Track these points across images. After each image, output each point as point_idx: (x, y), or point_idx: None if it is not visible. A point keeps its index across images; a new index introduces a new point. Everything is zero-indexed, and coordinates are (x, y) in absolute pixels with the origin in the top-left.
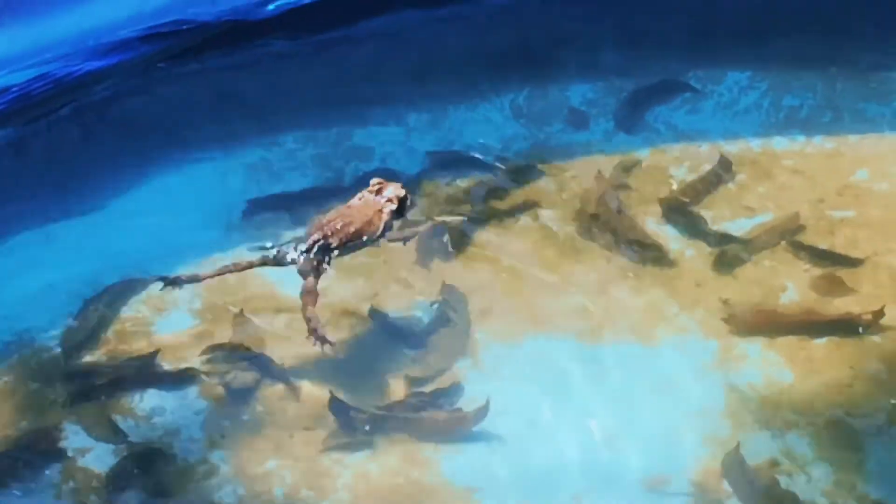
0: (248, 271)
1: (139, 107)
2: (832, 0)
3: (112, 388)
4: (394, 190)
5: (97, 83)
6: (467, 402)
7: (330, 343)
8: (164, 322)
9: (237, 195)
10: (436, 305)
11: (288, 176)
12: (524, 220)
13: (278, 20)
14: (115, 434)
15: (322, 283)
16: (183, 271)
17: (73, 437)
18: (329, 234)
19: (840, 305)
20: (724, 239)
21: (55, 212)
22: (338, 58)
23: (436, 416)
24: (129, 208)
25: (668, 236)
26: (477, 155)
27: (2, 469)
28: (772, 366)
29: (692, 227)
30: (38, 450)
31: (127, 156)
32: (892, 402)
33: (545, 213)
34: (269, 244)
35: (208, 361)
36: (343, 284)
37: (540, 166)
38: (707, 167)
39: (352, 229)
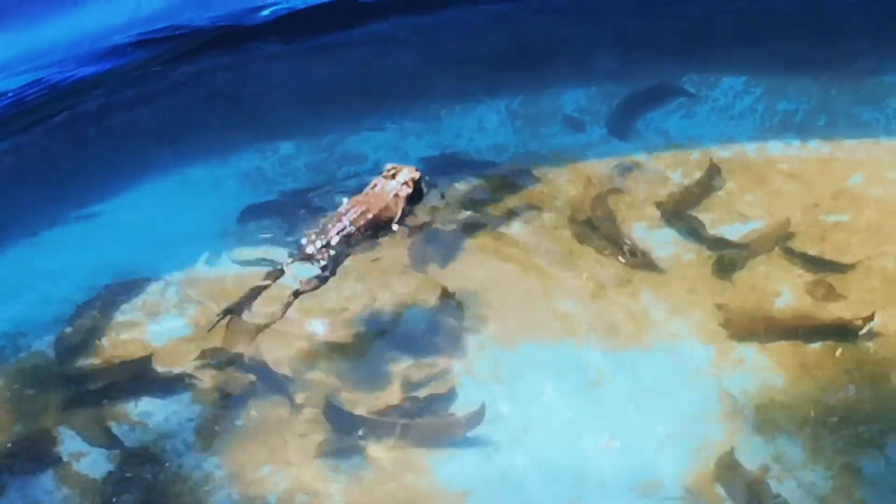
0: (247, 276)
1: (133, 112)
2: (827, 5)
3: (106, 393)
4: (408, 173)
5: (91, 89)
6: (461, 408)
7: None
8: (159, 327)
9: (232, 200)
10: (430, 310)
11: (282, 181)
12: (518, 225)
13: (272, 25)
14: (109, 439)
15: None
16: (178, 277)
17: (68, 443)
18: (348, 224)
19: (833, 310)
20: (719, 244)
21: (49, 217)
22: (332, 63)
23: (430, 422)
24: (124, 214)
25: (662, 241)
26: (471, 160)
27: None
28: (765, 371)
29: (686, 232)
30: (33, 455)
31: (121, 161)
32: (886, 410)
33: (539, 218)
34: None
35: (202, 367)
36: (338, 289)
37: (534, 171)
38: (701, 172)
39: (370, 216)
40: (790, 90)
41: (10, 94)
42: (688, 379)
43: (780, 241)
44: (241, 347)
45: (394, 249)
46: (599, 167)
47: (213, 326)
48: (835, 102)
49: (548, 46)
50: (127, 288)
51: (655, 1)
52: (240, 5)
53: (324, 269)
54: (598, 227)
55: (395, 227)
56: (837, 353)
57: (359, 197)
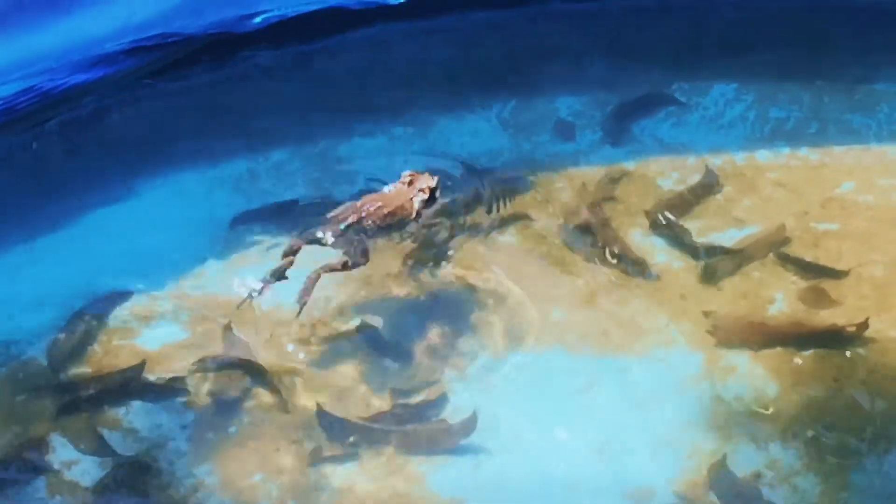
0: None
1: (125, 120)
2: (818, 13)
3: (99, 400)
4: (425, 181)
5: (83, 96)
6: (454, 415)
7: (301, 309)
8: (151, 334)
9: (224, 207)
10: (422, 317)
11: (274, 188)
12: (510, 231)
13: (264, 33)
14: (101, 447)
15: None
16: (170, 284)
17: (60, 450)
18: (364, 215)
19: (825, 317)
20: (711, 251)
21: (41, 224)
22: (324, 70)
23: (422, 429)
24: (116, 221)
25: (653, 248)
26: (463, 167)
27: None
28: (757, 378)
29: (678, 239)
30: (25, 462)
31: (113, 168)
32: (878, 417)
33: (531, 225)
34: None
35: (195, 374)
36: (330, 296)
37: (526, 178)
38: (692, 179)
39: (384, 212)
40: (781, 98)
41: (2, 102)
42: (680, 386)
43: (773, 247)
44: (234, 355)
45: (386, 256)
46: (592, 174)
47: (241, 304)
48: (826, 110)
49: (540, 54)
50: (119, 295)
51: (647, 9)
52: (231, 13)
53: (345, 253)
54: (590, 234)
55: (409, 225)
56: (831, 360)
57: (375, 195)
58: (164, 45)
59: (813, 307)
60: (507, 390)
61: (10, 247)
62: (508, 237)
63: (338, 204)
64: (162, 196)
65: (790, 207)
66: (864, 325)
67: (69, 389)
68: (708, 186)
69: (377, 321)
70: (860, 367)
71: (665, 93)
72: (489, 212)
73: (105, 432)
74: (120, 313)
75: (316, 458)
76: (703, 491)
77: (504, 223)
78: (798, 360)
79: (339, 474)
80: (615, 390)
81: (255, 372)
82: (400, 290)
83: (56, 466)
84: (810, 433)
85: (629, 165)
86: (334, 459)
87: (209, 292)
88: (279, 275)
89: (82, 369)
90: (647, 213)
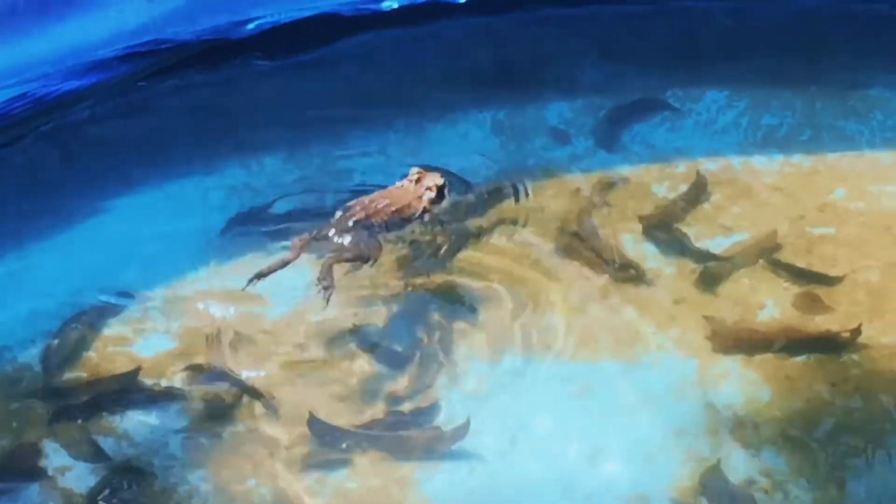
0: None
1: (119, 126)
2: (811, 19)
3: (92, 407)
4: (432, 179)
5: (77, 103)
6: (447, 421)
7: (331, 292)
8: (145, 341)
9: (218, 213)
10: (415, 324)
11: (268, 195)
12: (503, 238)
13: (258, 39)
14: (95, 453)
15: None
16: (164, 290)
17: (53, 456)
18: (371, 212)
19: (819, 323)
20: (704, 257)
21: (35, 230)
22: (317, 76)
23: (415, 435)
24: (110, 227)
25: (647, 254)
26: (457, 173)
27: None
28: (751, 384)
29: (671, 245)
30: (18, 469)
31: (107, 175)
32: (871, 423)
33: (524, 232)
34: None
35: (188, 381)
36: (323, 302)
37: (519, 184)
38: (686, 185)
39: (392, 209)
40: (774, 104)
41: None
42: (673, 392)
43: (766, 253)
44: (227, 361)
45: (379, 264)
46: (585, 180)
47: (246, 287)
48: (819, 116)
49: (533, 60)
50: (113, 301)
51: (639, 15)
52: (225, 19)
53: (354, 248)
54: (583, 240)
55: (416, 223)
56: (824, 366)
57: (383, 192)
58: (157, 52)
59: (806, 313)
60: (501, 397)
61: (3, 253)
62: (501, 244)
63: (332, 210)
64: (156, 202)
65: (783, 213)
66: (858, 331)
67: (63, 396)
68: (701, 192)
69: (370, 327)
70: (854, 373)
71: (658, 98)
72: (482, 218)
73: (99, 438)
74: (113, 320)
75: (309, 465)
76: (696, 497)
77: (497, 229)
78: (792, 366)
79: (332, 480)
80: (608, 396)
81: (246, 379)
82: (393, 297)
83: (50, 472)
84: (804, 439)
85: (622, 171)
86: (327, 466)
87: (204, 298)
88: (281, 266)
89: (76, 376)
90: (640, 219)
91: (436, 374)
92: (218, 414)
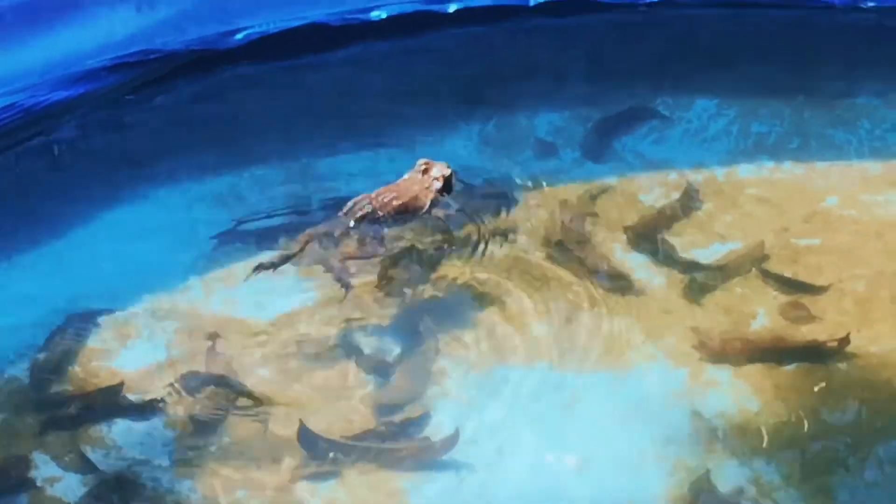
0: (221, 300)
1: (108, 136)
2: (800, 28)
3: (81, 418)
4: (439, 169)
5: (65, 113)
6: (436, 431)
7: (349, 286)
8: (133, 352)
9: (206, 223)
10: (404, 334)
11: (257, 204)
12: (492, 248)
13: (246, 49)
14: (84, 464)
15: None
16: (152, 301)
17: (43, 468)
18: (377, 206)
19: (808, 332)
20: (692, 266)
21: (23, 241)
22: (306, 87)
23: (405, 446)
24: (98, 238)
25: (635, 264)
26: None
27: None
28: (740, 393)
29: (660, 254)
30: (7, 480)
31: (96, 185)
32: (860, 431)
33: (513, 242)
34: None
35: (176, 391)
36: (312, 313)
37: (508, 194)
38: (674, 195)
39: (398, 203)
40: (763, 113)
41: None
42: (662, 401)
43: (755, 263)
44: (215, 372)
45: (367, 274)
46: (573, 190)
47: (249, 277)
48: (808, 125)
49: (521, 70)
50: (101, 312)
51: (628, 24)
52: (213, 29)
53: (360, 242)
54: (571, 251)
55: (423, 216)
56: (813, 376)
57: (390, 185)
58: (146, 62)
59: (795, 322)
60: (490, 407)
61: None
62: (490, 254)
63: (321, 219)
64: (144, 212)
65: (772, 222)
66: (846, 340)
67: (51, 407)
68: (690, 202)
69: (359, 338)
70: (842, 382)
71: (647, 108)
72: (471, 228)
73: (87, 450)
74: (102, 330)
75: (298, 476)
76: None
77: (486, 240)
78: (781, 375)
79: (321, 491)
80: (598, 406)
81: (235, 389)
82: (382, 307)
83: (39, 483)
84: (793, 448)
85: (611, 181)
86: (316, 476)
87: (191, 309)
88: (284, 260)
89: (64, 387)
90: (629, 229)
91: (425, 385)
92: (206, 425)
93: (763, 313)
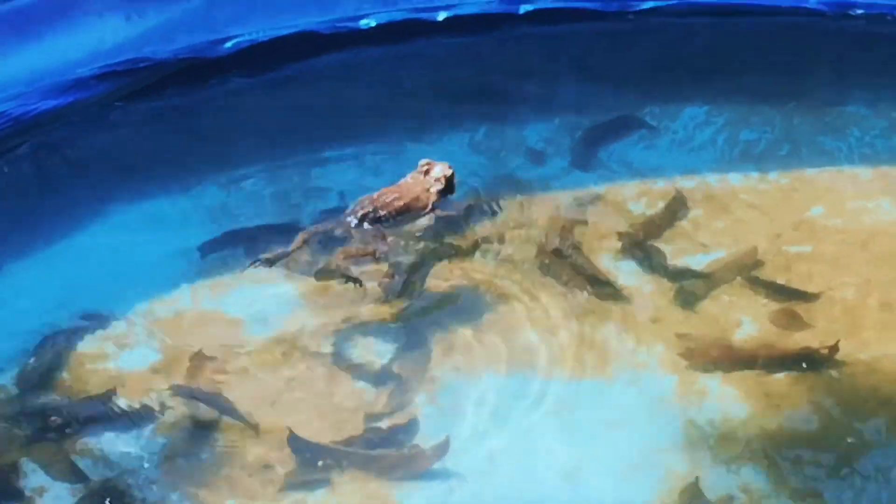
0: (210, 309)
1: (97, 145)
2: (788, 36)
3: (70, 427)
4: (441, 170)
5: (54, 122)
6: (426, 439)
7: (358, 281)
8: (123, 360)
9: (196, 232)
10: (394, 342)
11: (246, 212)
12: (481, 256)
13: (235, 58)
14: (73, 473)
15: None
16: (142, 310)
17: (32, 476)
18: (379, 207)
19: (797, 340)
20: (682, 274)
21: (12, 250)
22: (295, 95)
23: (395, 453)
24: (87, 246)
25: (624, 272)
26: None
27: None
28: (729, 401)
29: (649, 262)
30: None
31: (85, 194)
32: (849, 439)
33: (502, 250)
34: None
35: (166, 401)
36: (301, 320)
37: (497, 203)
38: (663, 203)
39: (400, 203)
40: (752, 121)
41: None
42: (651, 409)
43: (744, 270)
44: (206, 380)
45: (365, 275)
46: (562, 198)
47: (247, 269)
48: (797, 132)
49: (511, 78)
50: (91, 321)
51: (617, 33)
52: (202, 38)
53: (363, 241)
54: (561, 259)
55: (425, 216)
56: (802, 383)
57: (392, 186)
58: (135, 71)
59: (784, 330)
60: (479, 414)
61: None
62: (479, 262)
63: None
64: (134, 221)
65: (761, 230)
66: (835, 348)
67: (40, 416)
68: (679, 210)
69: (349, 345)
70: (832, 390)
71: (635, 116)
72: (460, 236)
73: (77, 459)
74: (91, 339)
75: (288, 484)
76: None
77: (475, 248)
78: (770, 383)
79: (311, 499)
80: (587, 414)
81: (225, 398)
82: (372, 315)
83: (28, 493)
84: (783, 456)
85: (600, 189)
86: (306, 484)
87: (180, 318)
88: (283, 256)
89: (53, 395)
90: (618, 237)
91: (415, 392)
92: (196, 433)
93: (752, 321)
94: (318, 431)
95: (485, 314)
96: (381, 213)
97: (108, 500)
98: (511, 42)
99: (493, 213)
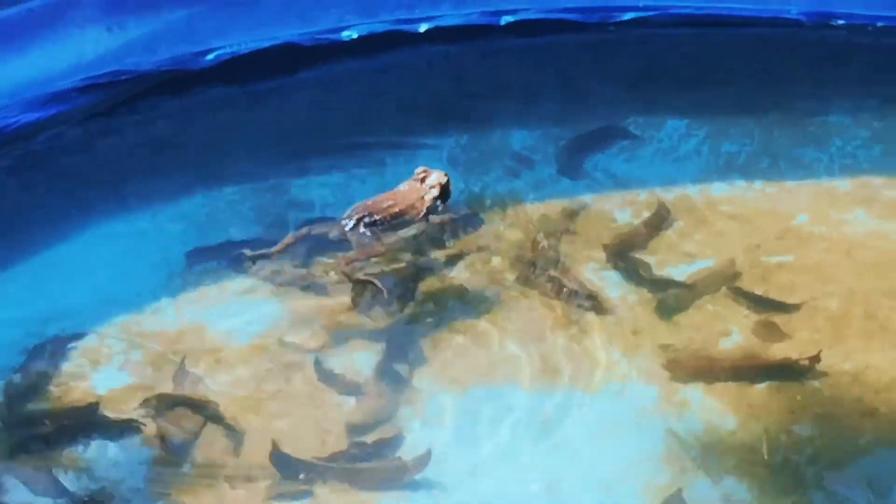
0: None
1: (79, 157)
2: (769, 47)
3: (53, 440)
4: (437, 177)
5: (36, 134)
6: (408, 452)
7: (372, 283)
8: (106, 373)
9: (178, 245)
10: (376, 355)
11: (228, 225)
12: (463, 268)
13: (217, 70)
14: (56, 487)
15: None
16: (125, 322)
17: (14, 492)
18: (374, 212)
19: (779, 350)
20: (664, 285)
21: None
22: (277, 107)
23: (377, 466)
24: (70, 259)
25: (607, 283)
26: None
27: None
28: (712, 411)
29: (632, 273)
30: None
31: (67, 206)
32: (833, 450)
33: (484, 261)
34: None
35: (149, 413)
36: (285, 332)
37: (479, 214)
38: (646, 214)
39: (395, 210)
40: (733, 132)
41: None
42: (634, 420)
43: (727, 281)
44: (188, 393)
45: (339, 294)
46: (545, 209)
47: (237, 266)
48: (778, 143)
49: (493, 89)
50: (73, 334)
51: (600, 44)
52: (184, 50)
53: (358, 245)
54: (543, 270)
55: (420, 222)
56: (785, 393)
57: (387, 193)
58: (116, 83)
59: (766, 340)
60: (462, 427)
61: None
62: (461, 274)
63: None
64: (115, 234)
65: (743, 241)
66: (818, 358)
67: (23, 429)
68: (661, 220)
69: (331, 358)
70: (814, 400)
71: (618, 127)
72: (442, 248)
73: (60, 472)
74: (74, 352)
75: (271, 496)
76: None
77: (457, 260)
78: (752, 393)
79: None
80: (569, 426)
81: (208, 410)
82: (354, 327)
83: None
84: (765, 467)
85: (583, 200)
86: (289, 497)
87: (163, 330)
88: (269, 256)
89: (36, 409)
90: (600, 248)
91: (397, 405)
92: (179, 446)
93: (735, 331)
94: (301, 443)
95: (467, 326)
96: (376, 217)
97: None
98: (493, 54)
99: (476, 225)
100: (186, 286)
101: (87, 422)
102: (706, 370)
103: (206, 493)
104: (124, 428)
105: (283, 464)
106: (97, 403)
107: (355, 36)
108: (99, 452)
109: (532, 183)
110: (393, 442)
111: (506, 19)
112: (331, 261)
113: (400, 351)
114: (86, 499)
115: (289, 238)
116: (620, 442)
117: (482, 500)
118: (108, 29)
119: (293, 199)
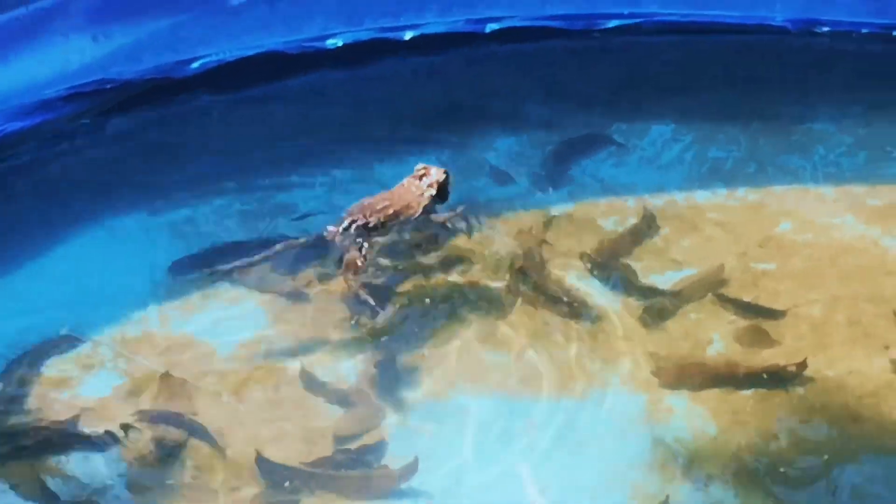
0: (179, 329)
1: (64, 166)
2: (754, 54)
3: (39, 448)
4: (436, 175)
5: (22, 143)
6: (395, 460)
7: (373, 305)
8: (91, 381)
9: (164, 252)
10: (362, 362)
11: (213, 232)
12: (450, 276)
13: (202, 78)
14: (43, 495)
15: (250, 338)
16: (109, 331)
17: (1, 498)
18: (368, 214)
19: (765, 357)
20: (650, 292)
21: None
22: (262, 115)
23: (362, 474)
24: (55, 268)
25: (593, 290)
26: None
27: None
28: (698, 418)
29: (619, 280)
30: None
31: (52, 215)
32: (818, 456)
33: (471, 269)
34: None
35: (135, 421)
36: (271, 341)
37: (465, 222)
38: (632, 220)
39: (390, 211)
40: (719, 139)
41: None
42: (620, 428)
43: (712, 288)
44: (173, 402)
45: (326, 301)
46: (530, 217)
47: (222, 274)
48: (763, 150)
49: (478, 96)
50: (58, 342)
51: (585, 51)
52: (169, 58)
53: (349, 251)
54: (529, 278)
55: (416, 222)
56: (770, 400)
57: (385, 193)
58: (102, 91)
59: (752, 347)
60: (448, 434)
61: None
62: (448, 281)
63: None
64: (101, 241)
65: (729, 248)
66: (803, 365)
67: (9, 437)
68: (647, 227)
69: (317, 366)
70: (800, 406)
71: (604, 134)
72: (428, 256)
73: (47, 480)
74: (59, 361)
75: None
76: None
77: (443, 267)
78: (738, 400)
79: None
80: (556, 433)
81: (193, 419)
82: (339, 334)
83: None
84: (751, 473)
85: (568, 207)
86: None
87: (149, 338)
88: (260, 261)
89: (21, 417)
90: (586, 255)
91: (383, 413)
92: (165, 455)
93: (720, 338)
94: (287, 452)
95: (453, 334)
96: (370, 220)
97: None
98: (478, 61)
99: (462, 233)
100: (172, 294)
101: (73, 430)
102: (692, 377)
103: (192, 502)
104: (110, 436)
105: (269, 472)
106: (83, 412)
107: (340, 44)
108: (85, 461)
109: (518, 190)
110: (379, 450)
111: (491, 27)
112: (317, 269)
113: (386, 358)
114: None
115: (275, 246)
116: (607, 449)
117: None
118: (93, 38)
119: (279, 206)
